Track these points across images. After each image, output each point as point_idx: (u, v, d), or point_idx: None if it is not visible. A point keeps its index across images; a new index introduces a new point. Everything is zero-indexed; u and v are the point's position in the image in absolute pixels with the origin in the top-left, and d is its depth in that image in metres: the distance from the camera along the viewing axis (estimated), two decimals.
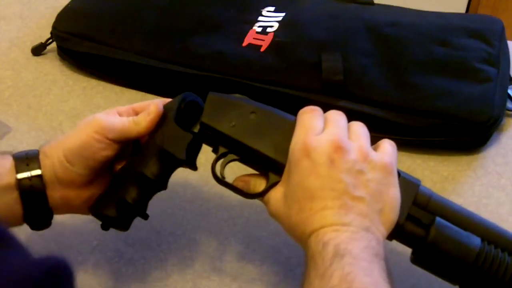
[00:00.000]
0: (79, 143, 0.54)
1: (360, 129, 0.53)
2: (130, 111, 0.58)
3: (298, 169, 0.50)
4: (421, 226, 0.51)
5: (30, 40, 0.90)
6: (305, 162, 0.50)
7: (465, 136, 0.73)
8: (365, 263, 0.46)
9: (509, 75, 0.81)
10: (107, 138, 0.55)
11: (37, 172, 0.54)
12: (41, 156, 0.55)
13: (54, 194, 0.55)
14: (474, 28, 0.83)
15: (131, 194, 0.56)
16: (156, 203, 0.68)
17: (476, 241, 0.50)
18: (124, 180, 0.57)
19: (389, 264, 0.48)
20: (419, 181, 0.54)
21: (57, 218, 0.65)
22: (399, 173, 0.53)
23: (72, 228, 0.65)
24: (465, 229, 0.51)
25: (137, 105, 0.59)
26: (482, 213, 0.68)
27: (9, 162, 0.54)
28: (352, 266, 0.45)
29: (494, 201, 0.69)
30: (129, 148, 0.58)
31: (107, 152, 0.55)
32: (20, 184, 0.53)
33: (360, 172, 0.50)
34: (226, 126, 0.55)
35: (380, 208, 0.50)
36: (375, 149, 0.53)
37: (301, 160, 0.50)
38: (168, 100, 0.59)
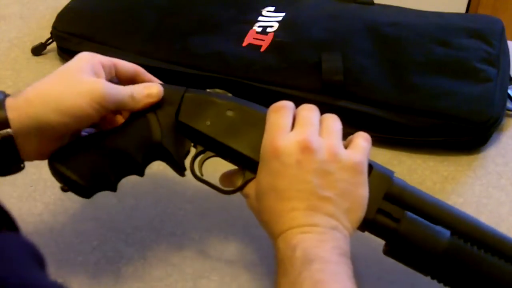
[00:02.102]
0: (79, 111, 0.52)
1: (332, 125, 0.53)
2: (112, 66, 0.57)
3: (268, 169, 0.51)
4: (392, 219, 0.52)
5: (30, 40, 0.90)
6: (274, 163, 0.51)
7: (465, 136, 0.73)
8: (334, 266, 0.46)
9: (509, 75, 0.81)
10: (105, 109, 0.54)
11: (7, 131, 0.51)
12: (13, 114, 0.52)
13: (28, 147, 0.53)
14: (474, 28, 0.83)
15: (112, 170, 0.55)
16: (156, 203, 0.68)
17: (445, 234, 0.51)
18: (107, 153, 0.55)
19: (356, 262, 0.49)
20: (392, 172, 0.54)
21: (57, 218, 0.66)
22: (371, 166, 0.53)
23: (72, 228, 0.65)
24: (438, 221, 0.52)
25: (118, 62, 0.58)
26: (482, 213, 0.68)
27: None
28: (322, 273, 0.45)
29: (494, 201, 0.69)
30: None
31: (97, 118, 0.54)
32: None
33: (328, 172, 0.50)
34: (202, 124, 0.56)
35: (347, 207, 0.50)
36: (347, 144, 0.53)
37: (270, 161, 0.51)
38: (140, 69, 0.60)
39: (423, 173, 0.72)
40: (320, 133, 0.52)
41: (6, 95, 0.54)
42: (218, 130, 0.55)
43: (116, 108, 0.56)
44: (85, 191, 0.55)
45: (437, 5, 1.11)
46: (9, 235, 0.41)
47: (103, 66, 0.56)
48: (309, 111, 0.54)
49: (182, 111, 0.57)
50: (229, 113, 0.55)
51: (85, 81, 0.54)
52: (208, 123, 0.56)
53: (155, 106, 0.57)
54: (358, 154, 0.52)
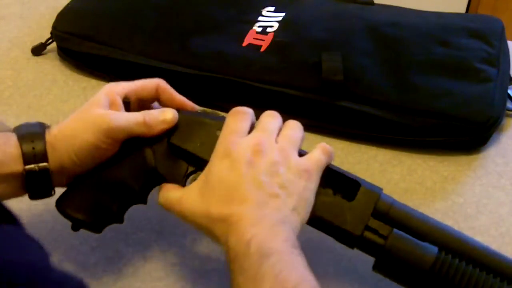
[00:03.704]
0: (90, 146, 0.55)
1: (290, 133, 0.55)
2: (131, 92, 0.59)
3: (220, 166, 0.53)
4: (379, 236, 0.53)
5: (30, 40, 0.90)
6: (226, 160, 0.52)
7: (465, 136, 0.73)
8: (289, 257, 0.47)
9: (509, 75, 0.81)
10: (116, 140, 0.56)
11: (44, 164, 0.54)
12: (48, 148, 0.55)
13: (59, 179, 0.56)
14: (474, 28, 0.83)
15: (113, 203, 0.57)
16: (156, 203, 0.68)
17: (432, 250, 0.51)
18: (105, 187, 0.57)
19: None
20: (380, 190, 0.55)
21: (57, 218, 0.65)
22: (359, 183, 0.54)
23: None
24: (425, 237, 0.53)
25: (137, 87, 0.59)
26: (482, 213, 0.68)
27: (15, 150, 0.54)
28: (280, 264, 0.46)
29: (494, 201, 0.69)
30: None
31: (116, 149, 0.56)
32: (27, 173, 0.54)
33: (277, 173, 0.52)
34: (193, 145, 0.57)
35: (294, 205, 0.51)
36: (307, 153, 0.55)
37: (223, 159, 0.53)
38: (161, 82, 0.60)
39: (423, 173, 0.72)
40: (277, 139, 0.54)
41: (44, 126, 0.56)
42: (208, 150, 0.55)
43: (129, 137, 0.56)
44: (93, 227, 0.58)
45: (437, 5, 1.11)
46: (15, 227, 0.42)
47: (121, 95, 0.58)
48: (270, 117, 0.56)
49: (175, 133, 0.57)
50: (218, 133, 0.56)
51: (93, 116, 0.56)
52: (198, 144, 0.56)
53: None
54: (308, 163, 0.54)
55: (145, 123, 0.56)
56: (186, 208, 0.54)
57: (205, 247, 0.64)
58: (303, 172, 0.53)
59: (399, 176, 0.72)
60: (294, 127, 0.56)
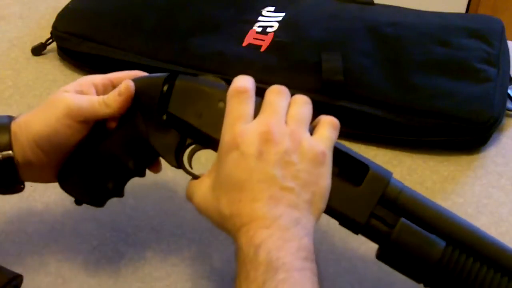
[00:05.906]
0: (49, 130, 0.53)
1: (299, 111, 0.51)
2: (107, 83, 0.57)
3: (227, 160, 0.49)
4: (385, 225, 0.51)
5: (30, 40, 0.90)
6: (234, 153, 0.48)
7: (465, 136, 0.73)
8: (297, 274, 0.44)
9: (509, 75, 0.81)
10: (77, 122, 0.54)
11: (8, 152, 0.53)
12: (13, 139, 0.53)
13: (26, 173, 0.55)
14: (474, 28, 0.83)
15: (110, 181, 0.56)
16: (156, 203, 0.68)
17: (439, 245, 0.50)
18: (100, 164, 0.55)
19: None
20: (389, 174, 0.52)
21: (57, 218, 0.65)
22: (368, 167, 0.51)
23: (72, 228, 0.65)
24: (434, 228, 0.50)
25: (114, 76, 0.58)
26: (482, 213, 0.68)
27: None
28: (286, 284, 0.43)
29: (494, 201, 0.69)
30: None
31: (79, 135, 0.54)
32: None
33: (290, 163, 0.48)
34: (192, 116, 0.53)
35: (309, 198, 0.48)
36: (314, 126, 0.52)
37: (230, 151, 0.48)
38: (139, 74, 0.58)
39: (423, 173, 0.72)
40: (286, 119, 0.50)
41: (12, 119, 0.55)
42: (209, 122, 0.52)
43: (94, 118, 0.54)
44: (93, 203, 0.58)
45: (437, 5, 1.11)
46: None
47: (96, 85, 0.56)
48: (277, 95, 0.52)
49: (172, 101, 0.54)
50: (221, 105, 0.51)
51: (54, 99, 0.54)
52: (198, 115, 0.53)
53: (138, 104, 0.55)
54: (321, 144, 0.50)
55: (104, 103, 0.54)
56: (199, 202, 0.52)
57: (205, 247, 0.64)
58: (318, 155, 0.49)
59: (399, 176, 0.71)
60: (303, 104, 0.52)
